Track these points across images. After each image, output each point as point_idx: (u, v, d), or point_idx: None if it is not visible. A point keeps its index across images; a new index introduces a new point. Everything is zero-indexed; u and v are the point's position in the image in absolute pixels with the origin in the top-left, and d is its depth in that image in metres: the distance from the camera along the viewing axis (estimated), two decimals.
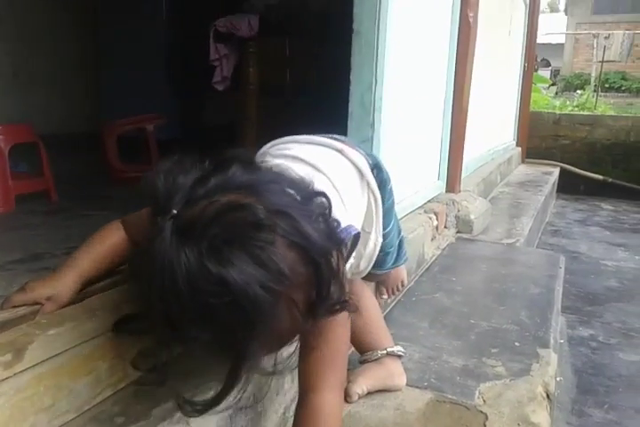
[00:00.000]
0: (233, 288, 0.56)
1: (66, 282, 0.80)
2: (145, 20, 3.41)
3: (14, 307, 0.78)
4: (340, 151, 0.96)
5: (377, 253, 1.00)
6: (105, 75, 3.53)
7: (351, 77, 1.63)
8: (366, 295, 1.14)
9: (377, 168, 1.00)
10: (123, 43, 3.37)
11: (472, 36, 2.54)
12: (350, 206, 0.89)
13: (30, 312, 0.77)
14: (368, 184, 0.95)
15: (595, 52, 11.97)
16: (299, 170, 0.77)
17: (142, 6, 3.41)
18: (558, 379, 1.22)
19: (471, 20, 2.51)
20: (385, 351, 1.09)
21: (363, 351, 1.11)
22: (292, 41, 2.81)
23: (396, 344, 1.13)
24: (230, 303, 0.56)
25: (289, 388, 0.98)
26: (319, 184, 0.76)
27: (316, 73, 2.73)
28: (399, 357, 1.12)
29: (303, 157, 0.90)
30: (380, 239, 0.98)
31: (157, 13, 3.46)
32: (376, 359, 1.09)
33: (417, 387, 1.10)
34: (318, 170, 0.88)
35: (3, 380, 0.63)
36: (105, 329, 0.77)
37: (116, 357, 0.78)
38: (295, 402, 1.00)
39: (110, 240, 0.86)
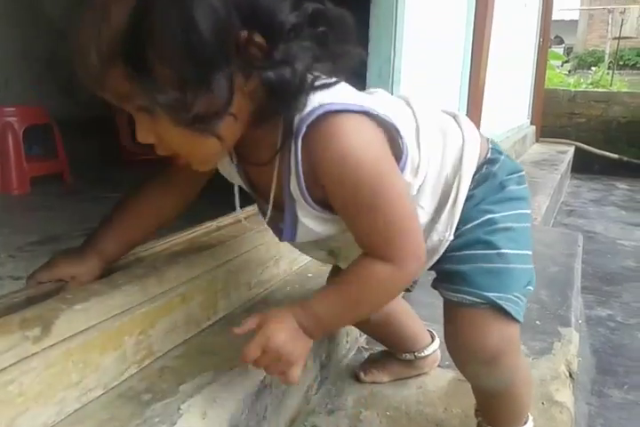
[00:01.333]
0: None
1: (89, 264, 0.79)
2: None
3: (39, 283, 0.77)
4: (454, 116, 0.83)
5: (440, 251, 0.80)
6: None
7: (369, 50, 1.59)
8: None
9: (491, 163, 0.81)
10: None
11: (490, 5, 2.48)
12: (424, 157, 0.74)
13: (55, 289, 0.77)
14: (461, 160, 0.77)
15: (609, 28, 11.71)
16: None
17: None
18: (578, 359, 1.20)
19: None
20: (421, 355, 1.05)
21: (396, 349, 1.06)
22: None
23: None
24: None
25: (311, 366, 0.97)
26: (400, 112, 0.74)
27: None
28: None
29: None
30: (450, 236, 0.78)
31: None
32: (405, 360, 1.05)
33: (438, 366, 1.09)
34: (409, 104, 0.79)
35: (32, 355, 0.63)
36: (130, 305, 0.76)
37: (141, 333, 0.77)
38: (318, 381, 1.00)
39: (132, 209, 0.83)
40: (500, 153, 0.81)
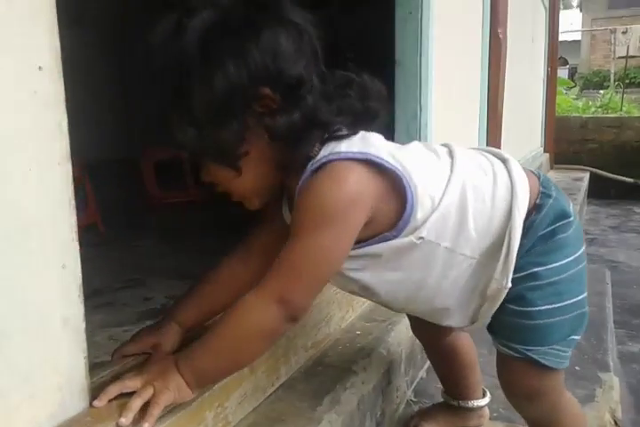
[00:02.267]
0: None
1: (170, 334, 0.85)
2: None
3: (124, 357, 0.83)
4: (504, 161, 0.85)
5: (500, 298, 0.82)
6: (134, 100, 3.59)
7: (395, 107, 1.67)
8: (464, 334, 1.10)
9: (538, 210, 0.82)
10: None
11: (503, 51, 2.57)
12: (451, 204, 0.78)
13: (138, 363, 0.83)
14: (510, 211, 0.79)
15: (612, 48, 11.83)
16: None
17: None
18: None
19: (501, 36, 2.55)
20: (468, 405, 1.09)
21: (450, 392, 1.12)
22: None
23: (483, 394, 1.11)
24: None
25: (369, 425, 1.02)
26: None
27: None
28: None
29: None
30: (508, 284, 0.80)
31: None
32: (458, 407, 1.10)
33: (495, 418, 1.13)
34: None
35: None
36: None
37: (219, 406, 0.82)
38: None
39: (214, 280, 0.89)
40: (550, 196, 0.83)
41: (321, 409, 0.91)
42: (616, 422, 1.16)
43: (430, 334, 1.06)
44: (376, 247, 0.78)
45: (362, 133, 0.78)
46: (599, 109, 6.21)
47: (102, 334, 1.15)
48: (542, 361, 0.82)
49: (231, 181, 0.77)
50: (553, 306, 0.82)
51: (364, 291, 0.86)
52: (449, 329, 1.02)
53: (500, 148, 2.68)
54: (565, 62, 17.37)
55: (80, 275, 0.67)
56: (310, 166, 0.74)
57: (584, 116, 5.24)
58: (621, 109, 5.87)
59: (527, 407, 0.90)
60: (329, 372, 1.03)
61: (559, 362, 0.84)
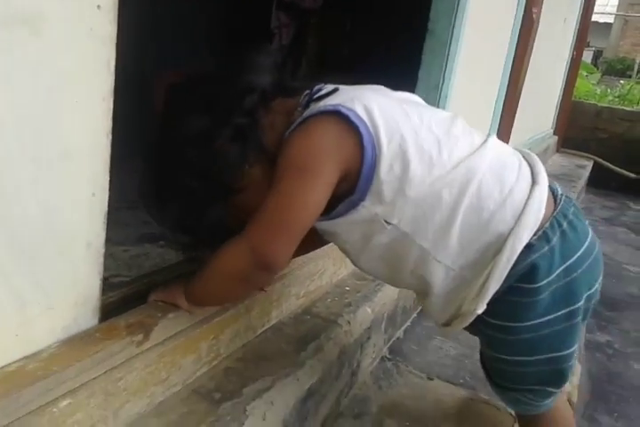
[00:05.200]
0: None
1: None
2: None
3: (155, 301, 0.87)
4: (534, 183, 0.79)
5: (468, 320, 0.80)
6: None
7: (419, 75, 1.68)
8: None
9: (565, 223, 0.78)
10: None
11: (533, 32, 2.54)
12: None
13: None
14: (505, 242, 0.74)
15: None
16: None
17: None
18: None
19: (534, 16, 2.51)
20: None
21: None
22: (354, 17, 2.81)
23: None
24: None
25: (343, 372, 1.10)
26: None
27: (374, 49, 2.74)
28: None
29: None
30: (479, 311, 0.77)
31: None
32: None
33: (452, 383, 1.22)
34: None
35: (134, 356, 0.76)
36: (208, 314, 0.89)
37: (214, 338, 0.90)
38: (347, 386, 1.13)
39: None
40: (549, 240, 0.75)
41: (304, 354, 0.98)
42: (570, 404, 1.25)
43: None
44: (342, 221, 0.78)
45: (353, 88, 0.82)
46: (616, 99, 6.15)
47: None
48: (507, 405, 0.89)
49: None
50: (521, 358, 0.81)
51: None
52: None
53: (512, 125, 2.69)
54: (588, 44, 16.94)
55: (107, 204, 0.72)
56: (289, 130, 0.78)
57: (599, 104, 5.20)
58: (638, 103, 5.82)
59: None
60: (316, 321, 1.10)
61: (525, 409, 0.87)
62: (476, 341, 0.91)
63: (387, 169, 0.74)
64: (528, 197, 0.77)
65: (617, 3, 17.38)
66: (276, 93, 0.82)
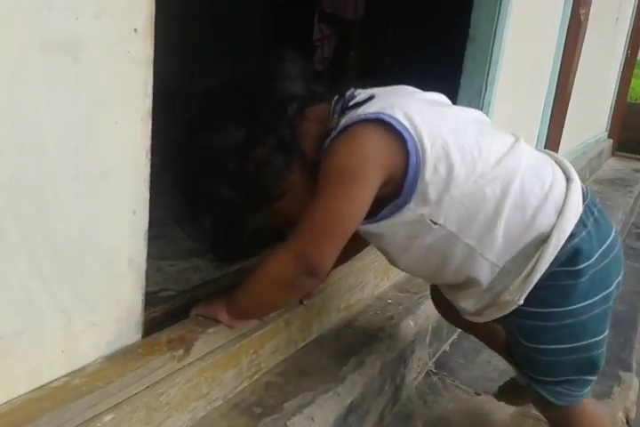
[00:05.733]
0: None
1: None
2: None
3: (196, 315, 0.88)
4: (568, 180, 0.82)
5: (506, 311, 0.81)
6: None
7: (461, 81, 1.66)
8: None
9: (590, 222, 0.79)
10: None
11: (582, 33, 2.46)
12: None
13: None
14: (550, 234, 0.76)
15: None
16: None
17: None
18: None
19: (582, 17, 2.43)
20: None
21: None
22: (396, 26, 2.81)
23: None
24: None
25: (387, 388, 1.08)
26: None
27: (416, 59, 2.73)
28: None
29: None
30: (520, 301, 0.79)
31: None
32: None
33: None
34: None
35: (177, 370, 0.77)
36: (248, 329, 0.89)
37: (254, 352, 0.90)
38: (392, 401, 1.11)
39: None
40: (585, 225, 0.78)
41: (346, 369, 0.97)
42: (628, 422, 1.19)
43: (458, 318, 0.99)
44: (386, 223, 0.79)
45: (385, 92, 0.82)
46: None
47: (150, 265, 1.23)
48: (547, 397, 0.83)
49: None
50: (560, 346, 0.81)
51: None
52: None
53: (562, 128, 2.60)
54: None
55: (147, 222, 0.74)
56: (329, 137, 0.79)
57: None
58: None
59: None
60: (357, 335, 1.09)
61: (566, 400, 0.84)
62: None
63: (431, 171, 0.76)
64: (566, 193, 0.79)
65: None
66: (310, 101, 0.83)
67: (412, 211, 0.78)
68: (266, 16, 3.34)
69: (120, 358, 0.73)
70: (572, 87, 2.55)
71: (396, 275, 1.34)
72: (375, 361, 1.03)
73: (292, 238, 0.78)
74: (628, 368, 1.34)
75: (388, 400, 1.09)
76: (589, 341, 0.82)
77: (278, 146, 0.79)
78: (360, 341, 1.07)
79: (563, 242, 0.76)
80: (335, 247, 0.78)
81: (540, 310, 0.80)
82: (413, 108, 0.78)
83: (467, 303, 0.86)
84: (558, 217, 0.78)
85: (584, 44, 2.57)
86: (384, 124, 0.76)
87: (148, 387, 0.72)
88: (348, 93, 0.83)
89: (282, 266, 0.79)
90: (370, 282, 1.24)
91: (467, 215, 0.77)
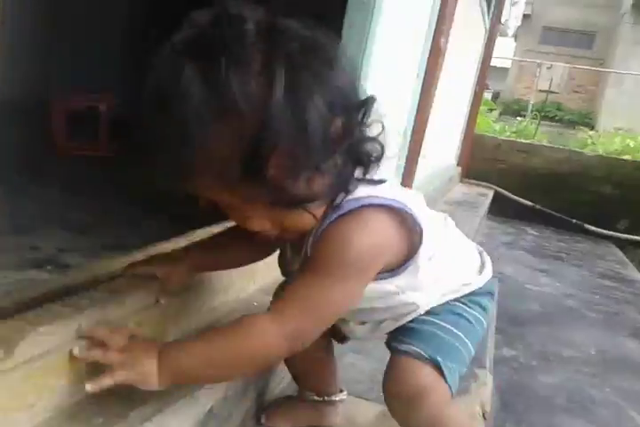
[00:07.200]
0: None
1: (180, 269, 0.88)
2: None
3: (134, 275, 0.85)
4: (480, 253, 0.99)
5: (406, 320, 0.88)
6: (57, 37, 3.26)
7: None
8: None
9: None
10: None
11: (440, 62, 2.65)
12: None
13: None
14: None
15: (536, 81, 12.56)
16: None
17: None
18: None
19: (442, 45, 2.62)
20: (322, 399, 1.05)
21: (314, 387, 1.06)
22: None
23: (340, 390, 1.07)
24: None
25: (249, 396, 1.02)
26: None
27: None
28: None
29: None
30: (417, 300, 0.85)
31: None
32: (311, 401, 1.05)
33: (366, 399, 1.16)
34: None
35: None
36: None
37: None
38: (254, 409, 1.04)
39: (227, 242, 0.92)
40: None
41: None
42: (484, 415, 1.23)
43: None
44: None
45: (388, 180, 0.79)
46: (513, 135, 6.59)
47: None
48: (443, 369, 0.81)
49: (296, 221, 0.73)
50: (453, 329, 0.86)
51: None
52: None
53: (418, 154, 2.75)
54: (487, 86, 18.28)
55: None
56: (337, 210, 0.73)
57: (499, 137, 5.54)
58: (534, 137, 6.27)
59: (410, 413, 0.84)
60: None
61: (452, 380, 0.83)
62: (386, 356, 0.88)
63: (426, 259, 0.81)
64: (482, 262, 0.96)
65: (513, 50, 18.95)
66: None
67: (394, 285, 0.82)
68: None
69: None
70: (429, 114, 2.71)
71: (264, 278, 1.29)
72: None
73: (285, 315, 0.72)
74: (482, 365, 1.41)
75: (249, 406, 1.02)
76: (467, 342, 0.88)
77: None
78: None
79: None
80: (326, 327, 0.77)
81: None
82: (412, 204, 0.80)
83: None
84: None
85: (442, 74, 2.76)
86: (397, 212, 0.76)
87: None
88: None
89: (269, 345, 0.72)
90: (235, 284, 1.17)
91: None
